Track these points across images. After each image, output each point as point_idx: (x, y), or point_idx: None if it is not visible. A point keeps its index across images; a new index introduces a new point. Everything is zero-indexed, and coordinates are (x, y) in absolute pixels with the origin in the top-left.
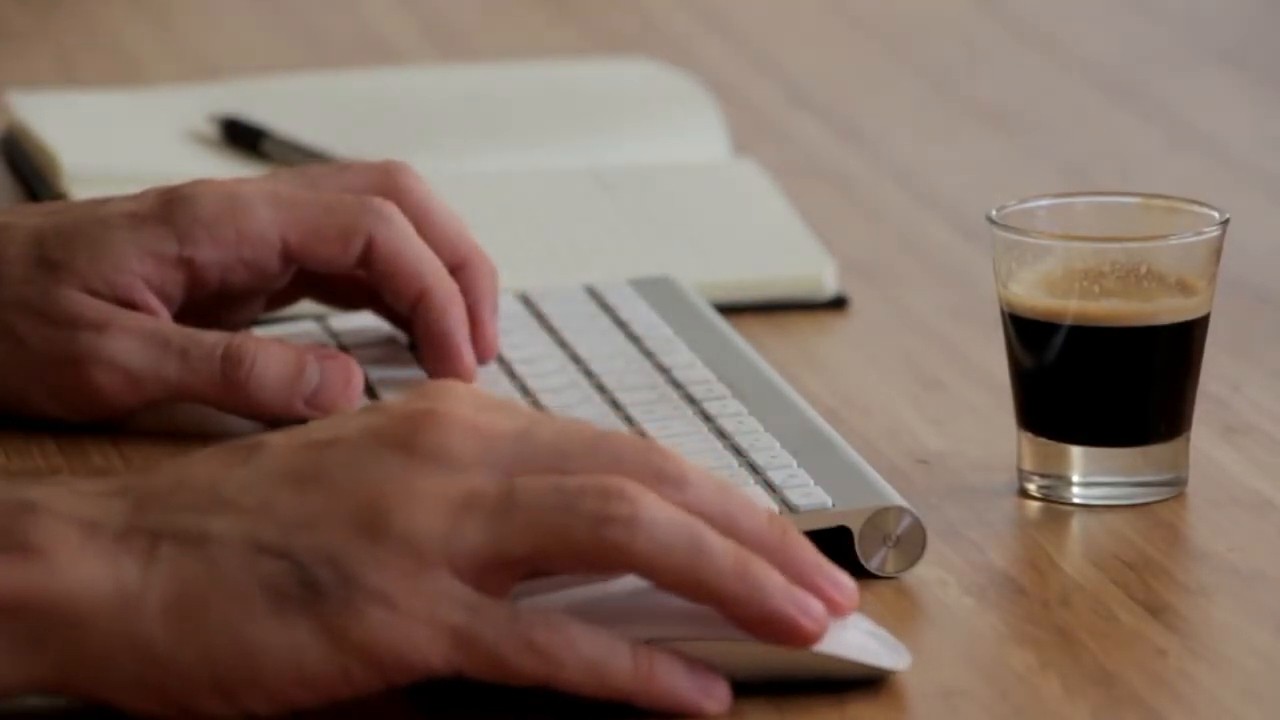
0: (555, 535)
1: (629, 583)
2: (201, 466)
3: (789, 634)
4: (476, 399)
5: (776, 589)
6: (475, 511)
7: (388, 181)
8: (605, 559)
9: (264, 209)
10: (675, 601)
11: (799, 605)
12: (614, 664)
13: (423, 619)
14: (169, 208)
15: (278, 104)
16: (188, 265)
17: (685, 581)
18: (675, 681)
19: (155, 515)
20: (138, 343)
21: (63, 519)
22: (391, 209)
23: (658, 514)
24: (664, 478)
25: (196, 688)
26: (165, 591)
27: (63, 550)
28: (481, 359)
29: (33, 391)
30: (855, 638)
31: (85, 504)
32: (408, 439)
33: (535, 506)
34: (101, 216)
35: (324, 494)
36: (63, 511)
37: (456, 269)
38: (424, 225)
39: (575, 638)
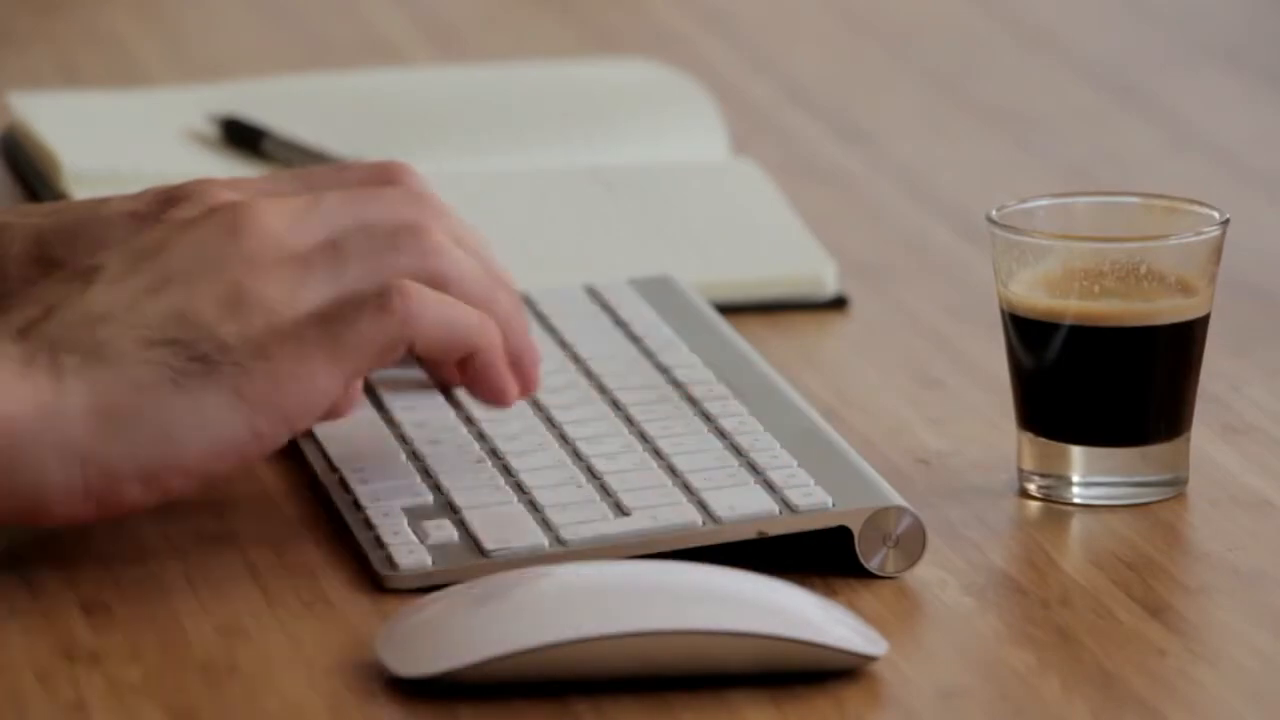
0: (387, 271)
1: (624, 577)
2: (50, 294)
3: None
4: (247, 184)
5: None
6: (313, 266)
7: (387, 181)
8: (433, 286)
9: None
10: (667, 595)
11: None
12: (461, 317)
13: (301, 359)
14: (168, 211)
15: (278, 104)
16: None
17: (480, 291)
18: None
19: (43, 337)
20: None
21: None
22: None
23: (451, 242)
24: (438, 210)
25: (122, 479)
26: (80, 396)
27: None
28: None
29: None
30: (835, 629)
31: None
32: (231, 227)
33: (362, 251)
34: (103, 217)
35: (182, 290)
36: None
37: None
38: None
39: (426, 296)
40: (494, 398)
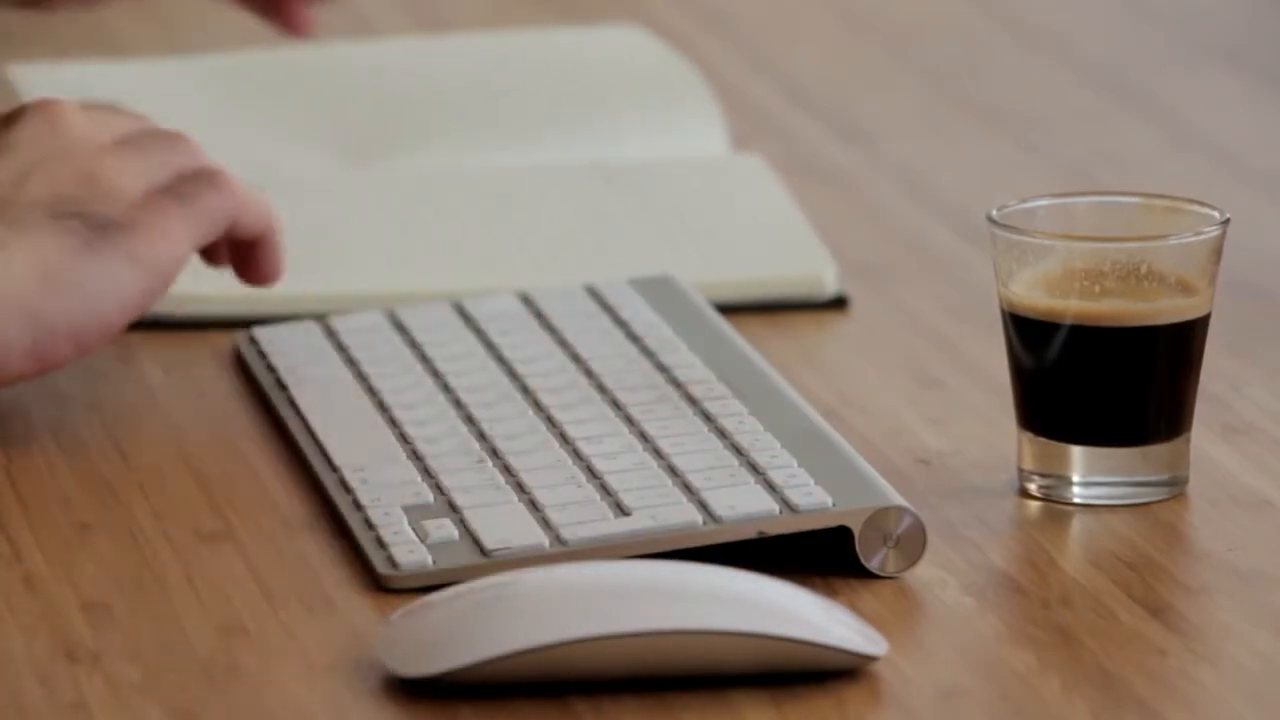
0: (178, 161)
1: (624, 577)
2: None
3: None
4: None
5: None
6: (127, 154)
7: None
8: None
9: None
10: (667, 595)
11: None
12: (263, 199)
13: (166, 227)
14: None
15: (272, 78)
16: None
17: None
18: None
19: None
20: None
21: None
22: None
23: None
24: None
25: (59, 337)
26: (24, 263)
27: None
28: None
29: None
30: (836, 629)
31: None
32: (52, 123)
33: (152, 146)
34: None
35: (45, 177)
36: None
37: None
38: None
39: (238, 181)
40: (272, 275)
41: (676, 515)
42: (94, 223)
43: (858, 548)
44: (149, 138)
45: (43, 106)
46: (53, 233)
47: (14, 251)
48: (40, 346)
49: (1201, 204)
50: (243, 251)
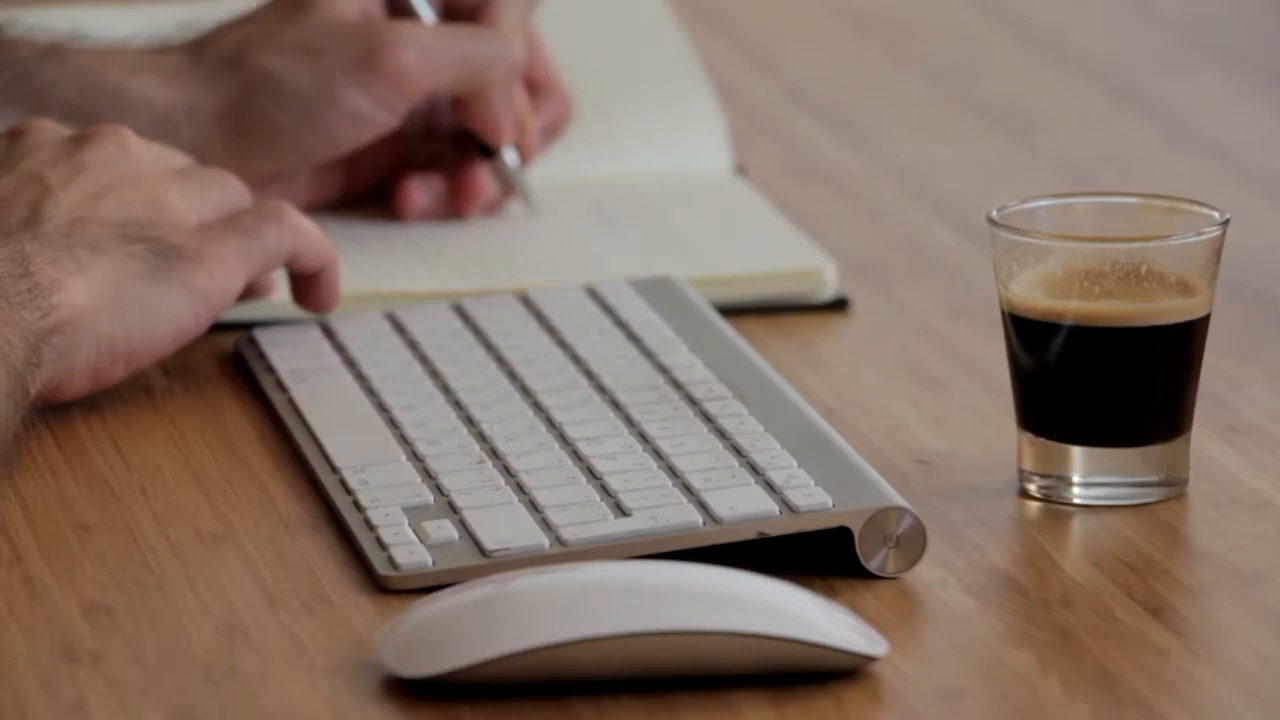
0: (232, 197)
1: (624, 577)
2: (14, 196)
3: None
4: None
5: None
6: (186, 183)
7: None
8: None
9: None
10: (667, 595)
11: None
12: (321, 233)
13: (225, 258)
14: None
15: None
16: None
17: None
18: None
19: (54, 236)
20: (428, 28)
21: (43, 258)
22: None
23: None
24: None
25: (117, 359)
26: (102, 286)
27: (65, 278)
28: None
29: (341, 90)
30: (836, 629)
31: (24, 245)
32: (121, 146)
33: (206, 179)
34: None
35: (118, 198)
36: (34, 252)
37: None
38: None
39: (299, 214)
40: (331, 303)
41: (677, 516)
42: (157, 249)
43: (858, 548)
44: (203, 172)
45: (113, 131)
46: (122, 256)
47: (93, 275)
48: (100, 368)
49: (1201, 204)
50: (302, 281)
